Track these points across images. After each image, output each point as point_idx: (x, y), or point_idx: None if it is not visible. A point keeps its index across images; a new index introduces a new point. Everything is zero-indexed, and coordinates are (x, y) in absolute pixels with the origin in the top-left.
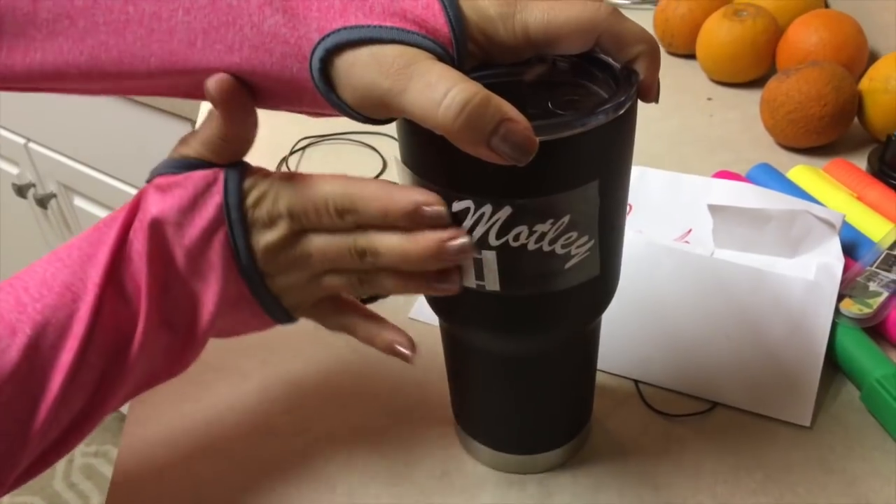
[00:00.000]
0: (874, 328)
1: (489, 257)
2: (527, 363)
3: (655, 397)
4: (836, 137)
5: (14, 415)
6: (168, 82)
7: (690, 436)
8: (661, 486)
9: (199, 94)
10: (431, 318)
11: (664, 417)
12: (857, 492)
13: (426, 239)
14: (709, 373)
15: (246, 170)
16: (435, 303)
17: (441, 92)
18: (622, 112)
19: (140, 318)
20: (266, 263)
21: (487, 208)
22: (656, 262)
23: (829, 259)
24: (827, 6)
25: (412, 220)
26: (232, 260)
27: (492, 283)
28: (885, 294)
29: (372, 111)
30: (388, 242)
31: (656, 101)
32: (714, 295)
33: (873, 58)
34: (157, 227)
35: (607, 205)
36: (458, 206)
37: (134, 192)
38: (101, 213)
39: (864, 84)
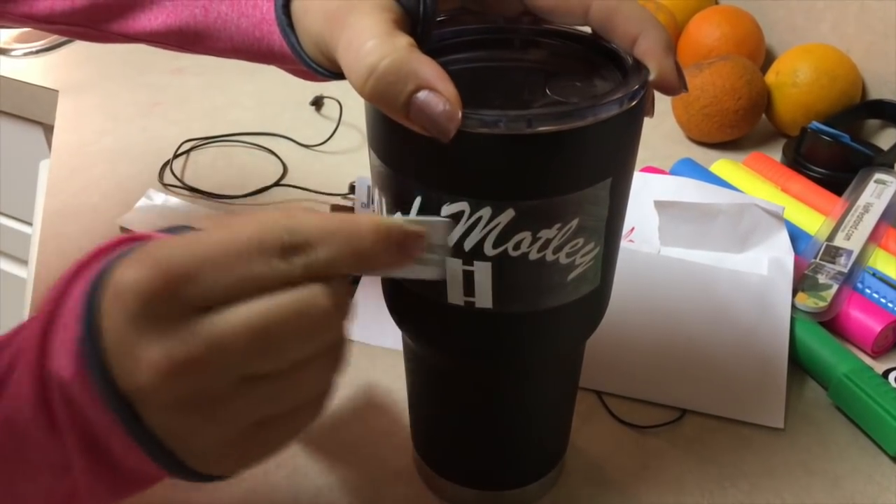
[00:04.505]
0: (827, 323)
1: (482, 269)
2: (509, 388)
3: (622, 408)
4: (748, 131)
5: None
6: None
7: (666, 448)
8: None
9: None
10: (369, 338)
11: (635, 430)
12: (842, 493)
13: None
14: (673, 378)
15: None
16: (407, 323)
17: (355, 50)
18: (638, 100)
19: None
20: None
21: (486, 211)
22: None
23: (779, 253)
24: (717, 2)
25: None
26: None
27: (483, 299)
28: (836, 286)
29: (330, 66)
30: None
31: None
32: (669, 295)
33: (768, 53)
34: None
35: (615, 207)
36: (448, 209)
37: None
38: None
39: (771, 78)
